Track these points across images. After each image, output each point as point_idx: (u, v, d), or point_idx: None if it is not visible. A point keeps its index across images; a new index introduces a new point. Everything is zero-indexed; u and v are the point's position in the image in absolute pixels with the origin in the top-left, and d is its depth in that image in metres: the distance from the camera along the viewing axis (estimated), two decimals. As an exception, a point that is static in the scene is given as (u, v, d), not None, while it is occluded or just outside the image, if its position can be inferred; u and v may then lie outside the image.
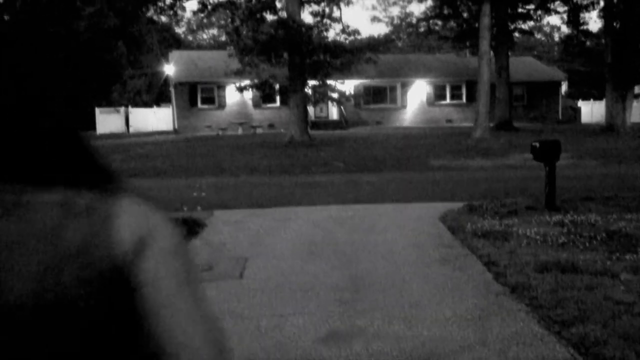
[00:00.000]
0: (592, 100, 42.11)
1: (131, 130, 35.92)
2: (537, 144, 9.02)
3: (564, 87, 42.04)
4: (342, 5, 27.09)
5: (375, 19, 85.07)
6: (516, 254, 6.36)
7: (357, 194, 11.84)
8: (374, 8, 78.69)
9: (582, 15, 34.19)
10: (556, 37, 63.51)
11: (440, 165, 17.73)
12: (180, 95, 34.99)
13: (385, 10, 76.31)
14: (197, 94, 35.18)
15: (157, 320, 0.95)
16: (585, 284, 5.14)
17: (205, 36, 64.90)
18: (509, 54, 33.84)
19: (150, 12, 28.42)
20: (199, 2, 26.89)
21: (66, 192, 0.96)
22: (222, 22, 38.55)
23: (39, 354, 0.93)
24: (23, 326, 0.92)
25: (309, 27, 25.29)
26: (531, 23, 38.13)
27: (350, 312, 4.73)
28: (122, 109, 37.17)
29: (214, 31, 62.38)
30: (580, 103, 42.25)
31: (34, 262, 0.92)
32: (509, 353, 3.87)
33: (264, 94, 32.01)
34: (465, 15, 34.44)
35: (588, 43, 36.98)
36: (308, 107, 28.24)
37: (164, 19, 41.01)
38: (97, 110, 35.15)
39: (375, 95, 37.45)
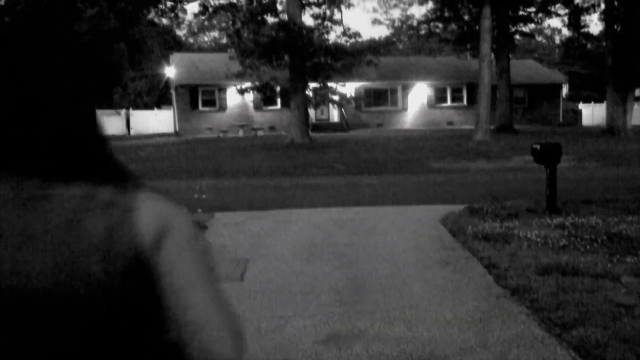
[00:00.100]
0: (592, 102, 42.13)
1: (132, 132, 35.96)
2: (538, 147, 9.01)
3: (564, 90, 42.04)
4: (342, 7, 27.14)
5: (376, 22, 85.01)
6: (517, 256, 6.35)
7: (358, 196, 11.84)
8: (374, 11, 78.92)
9: (582, 18, 34.25)
10: (557, 39, 63.58)
11: (441, 168, 17.73)
12: (181, 98, 35.02)
13: (386, 12, 76.18)
14: (198, 96, 35.21)
15: (177, 306, 1.01)
16: (586, 287, 5.14)
17: (206, 38, 65.00)
18: (510, 56, 33.85)
19: (151, 15, 28.46)
20: (200, 5, 26.96)
21: (88, 187, 1.01)
22: (223, 24, 38.64)
23: (64, 342, 0.96)
24: (51, 314, 0.95)
25: (310, 30, 25.32)
26: (532, 26, 38.25)
27: (350, 314, 4.73)
28: (123, 111, 37.21)
29: (215, 34, 62.50)
30: (581, 106, 42.25)
31: (58, 253, 0.96)
32: (510, 356, 3.87)
33: (265, 97, 32.03)
34: (466, 17, 34.46)
35: (589, 46, 36.99)
36: (309, 110, 28.27)
37: (165, 21, 41.06)
38: (98, 113, 35.10)
39: (376, 98, 37.47)
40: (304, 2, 25.75)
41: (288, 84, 25.91)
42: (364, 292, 5.35)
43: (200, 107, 35.26)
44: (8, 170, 0.99)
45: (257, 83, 26.93)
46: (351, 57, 25.71)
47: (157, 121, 37.36)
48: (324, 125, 34.21)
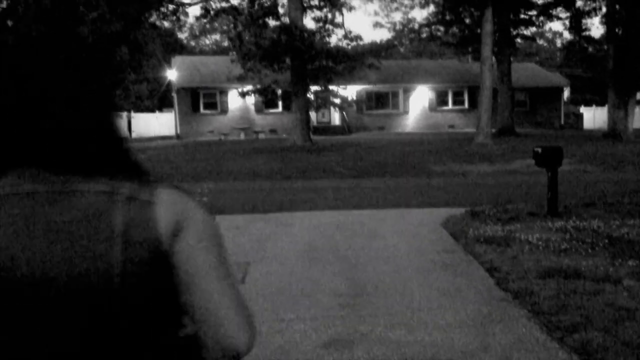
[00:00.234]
0: (594, 106, 42.12)
1: (133, 135, 35.97)
2: (540, 150, 9.01)
3: (566, 93, 41.97)
4: (344, 11, 27.20)
5: (377, 25, 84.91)
6: (518, 259, 6.34)
7: (359, 200, 11.84)
8: (376, 14, 78.82)
9: (584, 21, 34.33)
10: (558, 43, 63.54)
11: (442, 171, 17.72)
12: (182, 101, 35.04)
13: (387, 16, 76.29)
14: (200, 99, 35.22)
15: (192, 297, 1.05)
16: (587, 290, 5.13)
17: (207, 41, 65.06)
18: (511, 59, 33.84)
19: (153, 18, 28.48)
20: (201, 8, 27.02)
21: (110, 183, 1.06)
22: (225, 27, 38.68)
23: (85, 330, 1.01)
24: (74, 303, 1.00)
25: (312, 33, 25.36)
26: (533, 29, 38.15)
27: (351, 317, 4.72)
28: (125, 114, 37.21)
29: (216, 37, 62.59)
30: (582, 109, 42.24)
31: (79, 244, 1.00)
32: (511, 359, 3.86)
33: (266, 100, 32.05)
34: (467, 21, 34.46)
35: (590, 49, 37.02)
36: (310, 113, 28.27)
37: (166, 24, 41.10)
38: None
39: (377, 101, 37.45)
40: (305, 5, 25.80)
41: (289, 87, 25.94)
42: (365, 295, 5.34)
43: (202, 110, 35.27)
44: (36, 167, 1.04)
45: (258, 86, 26.97)
46: (352, 60, 25.74)
47: (158, 124, 37.37)
48: (326, 128, 34.20)
